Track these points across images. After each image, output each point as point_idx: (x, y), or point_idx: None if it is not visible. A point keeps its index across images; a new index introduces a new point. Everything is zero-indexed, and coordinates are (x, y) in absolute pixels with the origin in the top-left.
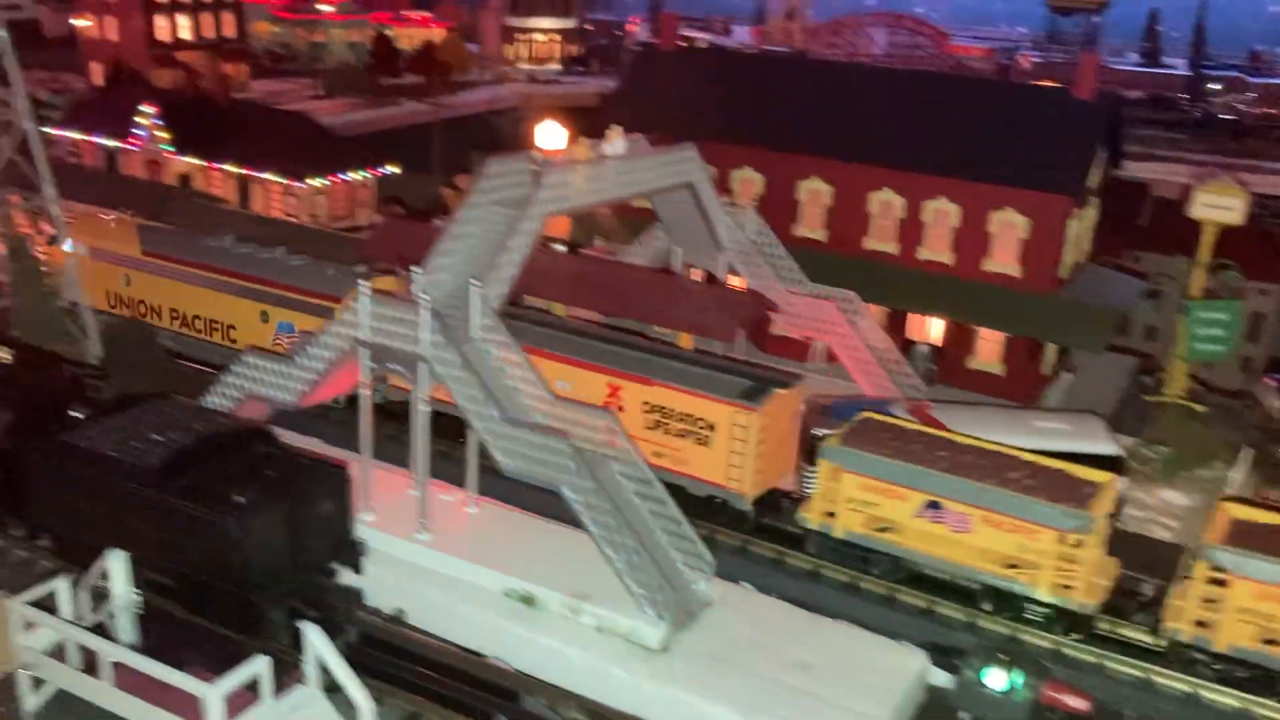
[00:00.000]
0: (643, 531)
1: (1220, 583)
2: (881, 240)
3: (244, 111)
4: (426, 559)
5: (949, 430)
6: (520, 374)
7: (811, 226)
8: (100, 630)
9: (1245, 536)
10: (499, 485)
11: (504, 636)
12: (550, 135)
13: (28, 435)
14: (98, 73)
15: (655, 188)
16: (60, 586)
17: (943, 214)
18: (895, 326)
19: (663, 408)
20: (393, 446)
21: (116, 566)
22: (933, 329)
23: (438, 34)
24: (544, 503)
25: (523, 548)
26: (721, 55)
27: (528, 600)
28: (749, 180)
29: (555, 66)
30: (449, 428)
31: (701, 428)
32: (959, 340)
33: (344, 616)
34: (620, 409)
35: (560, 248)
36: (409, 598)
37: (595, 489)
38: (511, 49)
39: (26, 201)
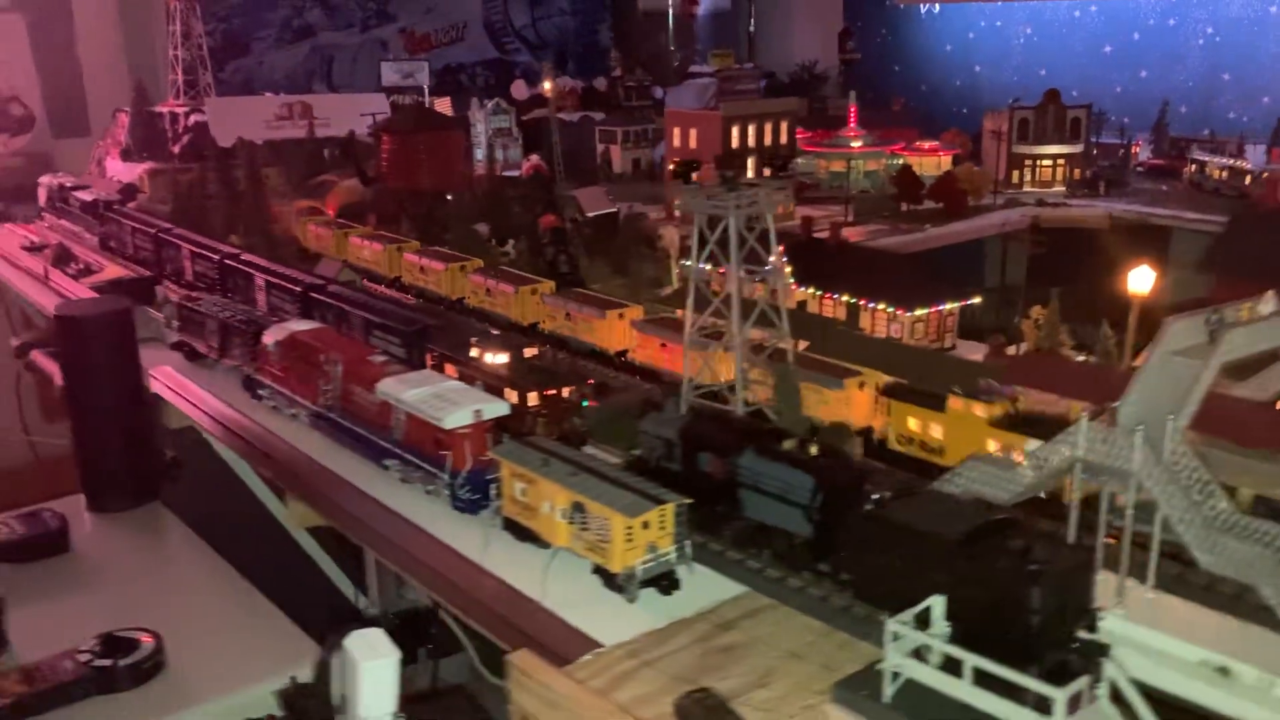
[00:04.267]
0: None
1: None
2: None
3: (852, 251)
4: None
5: None
6: (1209, 489)
7: None
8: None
9: None
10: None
11: (1204, 696)
12: (1140, 278)
13: (833, 510)
14: (674, 205)
15: None
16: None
17: None
18: None
19: None
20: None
21: (936, 608)
22: None
23: (945, 161)
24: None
25: (1205, 632)
26: None
27: (1223, 671)
28: None
29: (1059, 189)
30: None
31: None
32: None
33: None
34: None
35: None
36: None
37: None
38: (1016, 173)
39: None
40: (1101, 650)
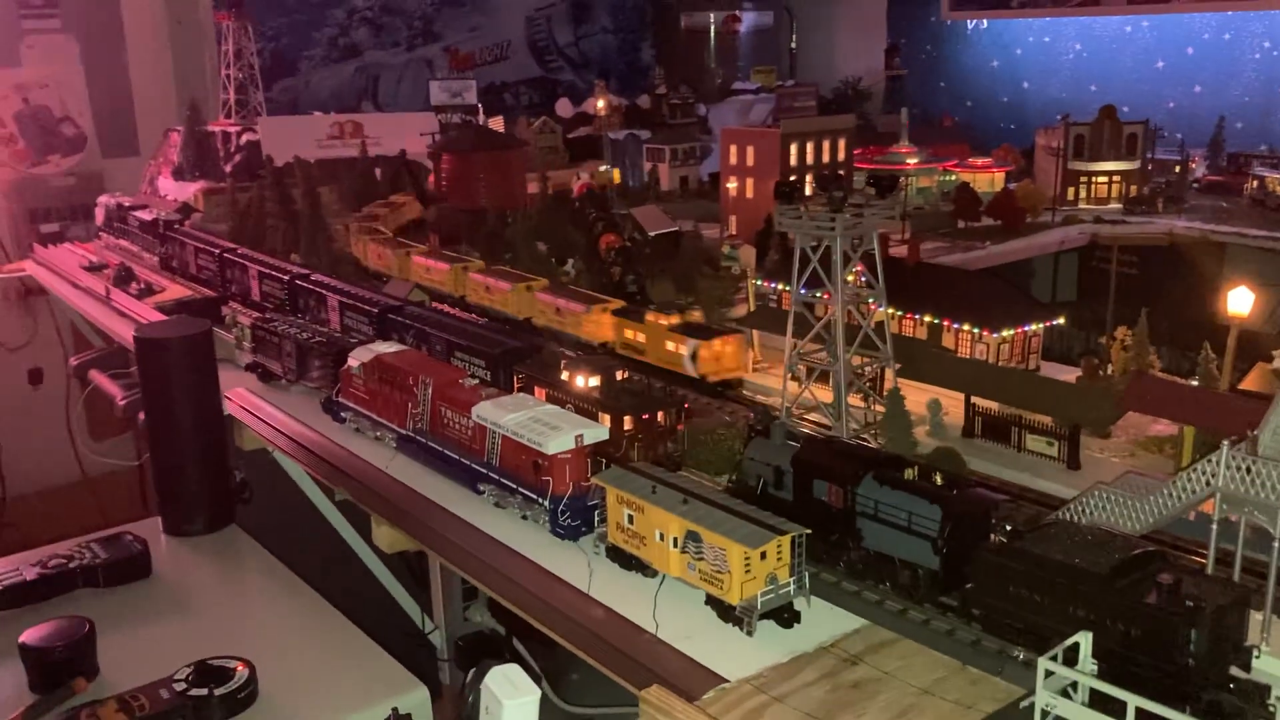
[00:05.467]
0: None
1: None
2: None
3: (932, 271)
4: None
5: None
6: None
7: None
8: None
9: None
10: None
11: None
12: (1239, 299)
13: (962, 541)
14: (731, 224)
15: None
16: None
17: None
18: None
19: None
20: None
21: (1084, 643)
22: None
23: (998, 178)
24: None
25: None
26: None
27: None
28: None
29: (1115, 206)
30: None
31: None
32: None
33: (1253, 705)
34: None
35: None
36: None
37: None
38: (1072, 190)
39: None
40: (1260, 691)
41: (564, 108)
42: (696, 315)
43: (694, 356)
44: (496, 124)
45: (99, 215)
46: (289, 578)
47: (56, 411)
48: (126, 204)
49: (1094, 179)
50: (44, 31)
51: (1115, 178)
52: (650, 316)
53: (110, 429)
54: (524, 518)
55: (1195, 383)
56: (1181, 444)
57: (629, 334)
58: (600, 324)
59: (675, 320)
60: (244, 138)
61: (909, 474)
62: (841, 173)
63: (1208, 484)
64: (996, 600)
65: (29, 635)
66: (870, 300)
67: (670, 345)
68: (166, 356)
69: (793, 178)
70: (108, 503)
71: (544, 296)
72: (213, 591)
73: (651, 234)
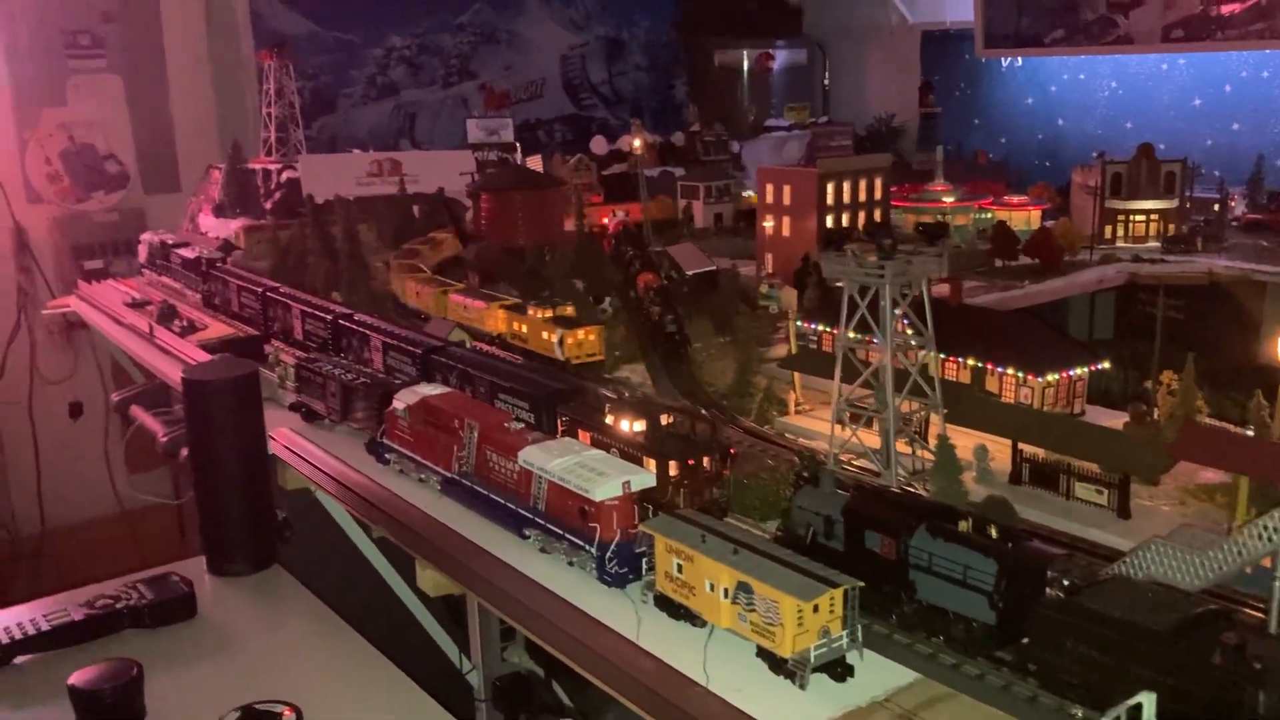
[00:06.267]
0: None
1: None
2: None
3: (975, 313)
4: None
5: None
6: None
7: None
8: None
9: None
10: None
11: None
12: None
13: (1018, 594)
14: (768, 262)
15: None
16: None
17: None
18: None
19: None
20: None
21: (1148, 704)
22: None
23: (1034, 216)
24: None
25: None
26: None
27: None
28: None
29: (1154, 245)
30: None
31: None
32: None
33: None
34: None
35: None
36: None
37: None
38: (1109, 228)
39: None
40: None
41: (598, 145)
42: (569, 310)
43: (561, 343)
44: (535, 163)
45: (141, 252)
46: (332, 619)
47: (95, 445)
48: (169, 241)
49: (1132, 217)
50: (90, 71)
51: (1153, 216)
52: (530, 311)
53: (148, 464)
54: (570, 564)
55: (1250, 431)
56: (1236, 494)
57: (516, 325)
58: (497, 318)
59: (549, 314)
60: (284, 175)
61: (963, 526)
62: (878, 213)
63: (1271, 540)
64: (1054, 656)
65: (78, 677)
66: (917, 345)
67: (545, 334)
68: (214, 399)
69: (829, 217)
70: (144, 538)
71: (455, 297)
72: (258, 633)
73: (689, 273)
